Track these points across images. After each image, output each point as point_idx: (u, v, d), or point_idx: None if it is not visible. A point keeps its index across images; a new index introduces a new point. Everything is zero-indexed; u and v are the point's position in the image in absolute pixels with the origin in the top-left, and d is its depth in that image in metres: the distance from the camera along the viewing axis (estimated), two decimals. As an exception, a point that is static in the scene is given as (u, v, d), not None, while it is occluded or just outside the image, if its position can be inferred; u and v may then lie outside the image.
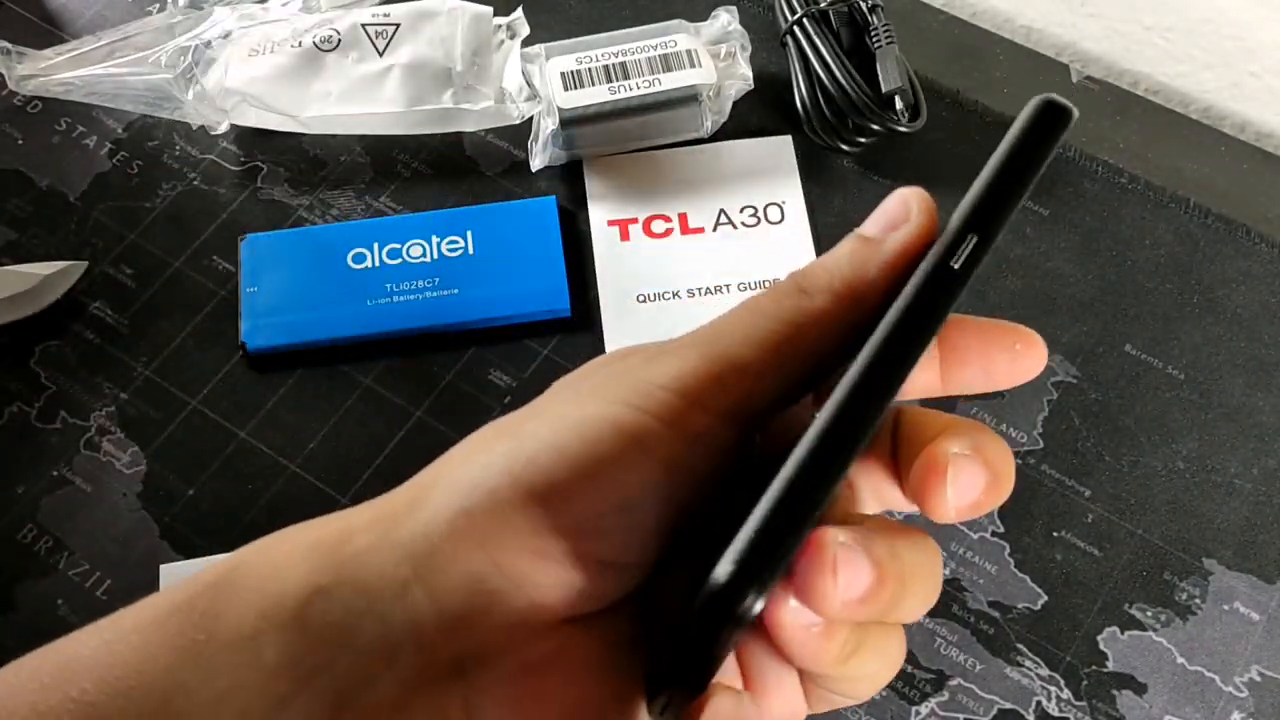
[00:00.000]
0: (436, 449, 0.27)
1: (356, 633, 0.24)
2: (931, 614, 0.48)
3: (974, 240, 0.24)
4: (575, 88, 0.56)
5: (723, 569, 0.22)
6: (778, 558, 0.22)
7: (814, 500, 0.23)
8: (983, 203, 0.24)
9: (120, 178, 0.58)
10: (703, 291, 0.55)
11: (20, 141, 0.60)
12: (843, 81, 0.56)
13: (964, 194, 0.24)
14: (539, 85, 0.57)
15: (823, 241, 0.56)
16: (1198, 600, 0.48)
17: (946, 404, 0.52)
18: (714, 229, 0.56)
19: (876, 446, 0.26)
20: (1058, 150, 0.25)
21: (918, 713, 0.46)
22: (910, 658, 0.47)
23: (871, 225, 0.26)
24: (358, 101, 0.57)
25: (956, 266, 0.24)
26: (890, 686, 0.46)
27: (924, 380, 0.26)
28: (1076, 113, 0.24)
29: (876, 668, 0.25)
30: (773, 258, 0.56)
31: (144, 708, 0.23)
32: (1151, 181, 0.57)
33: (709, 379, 0.25)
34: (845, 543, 0.23)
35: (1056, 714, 0.46)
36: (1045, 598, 0.48)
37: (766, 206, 0.57)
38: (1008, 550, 0.49)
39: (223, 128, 0.58)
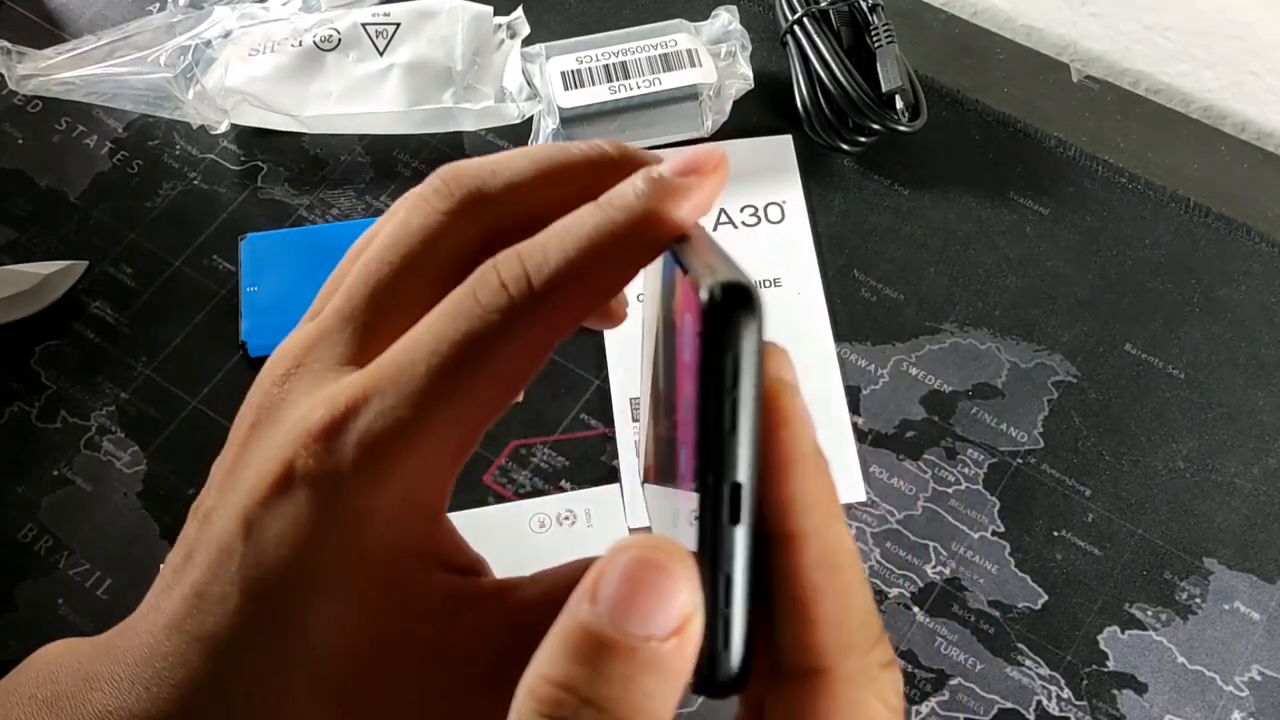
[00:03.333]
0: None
1: None
2: (932, 613, 0.48)
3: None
4: (575, 87, 0.56)
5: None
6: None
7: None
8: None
9: (120, 177, 0.58)
10: (703, 291, 0.55)
11: (20, 141, 0.60)
12: (843, 81, 0.56)
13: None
14: (539, 85, 0.57)
15: (823, 241, 0.56)
16: (1198, 600, 0.48)
17: (947, 403, 0.52)
18: (714, 228, 0.56)
19: None
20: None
21: (918, 712, 0.46)
22: (911, 657, 0.47)
23: None
24: (358, 101, 0.57)
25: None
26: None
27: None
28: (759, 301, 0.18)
29: None
30: (773, 257, 0.56)
31: None
32: (1151, 181, 0.57)
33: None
34: None
35: (1057, 713, 0.46)
36: (1046, 597, 0.48)
37: (767, 206, 0.57)
38: (1008, 550, 0.49)
39: (223, 127, 0.58)
